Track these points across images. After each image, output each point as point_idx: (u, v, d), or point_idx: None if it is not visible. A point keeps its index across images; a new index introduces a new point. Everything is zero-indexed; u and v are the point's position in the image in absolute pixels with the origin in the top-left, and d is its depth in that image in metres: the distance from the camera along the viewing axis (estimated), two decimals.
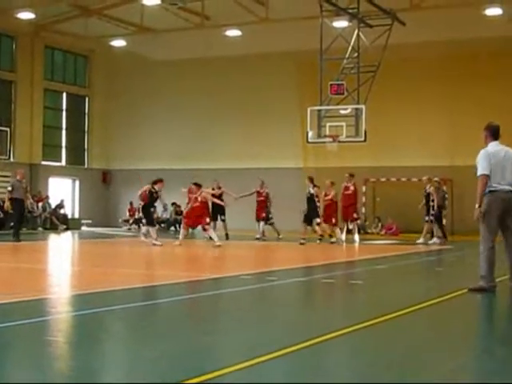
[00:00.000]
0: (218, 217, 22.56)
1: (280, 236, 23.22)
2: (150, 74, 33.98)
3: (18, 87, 31.57)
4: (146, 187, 19.47)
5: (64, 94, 34.11)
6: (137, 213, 28.38)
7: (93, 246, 21.14)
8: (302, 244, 20.08)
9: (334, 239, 20.90)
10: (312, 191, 20.79)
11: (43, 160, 32.54)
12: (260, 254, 18.80)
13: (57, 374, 4.93)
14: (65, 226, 29.79)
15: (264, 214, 23.33)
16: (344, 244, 20.86)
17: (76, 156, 34.79)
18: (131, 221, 31.86)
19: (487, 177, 9.11)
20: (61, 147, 34.17)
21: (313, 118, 23.31)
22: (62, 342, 5.98)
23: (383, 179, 29.69)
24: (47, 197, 30.82)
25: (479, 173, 9.18)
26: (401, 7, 24.08)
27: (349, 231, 22.51)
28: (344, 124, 22.96)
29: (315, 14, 23.21)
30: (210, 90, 32.72)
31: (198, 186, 19.61)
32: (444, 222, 24.09)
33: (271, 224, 23.67)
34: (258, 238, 22.93)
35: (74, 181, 34.50)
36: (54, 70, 33.74)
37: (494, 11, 25.33)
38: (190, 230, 21.01)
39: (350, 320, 7.09)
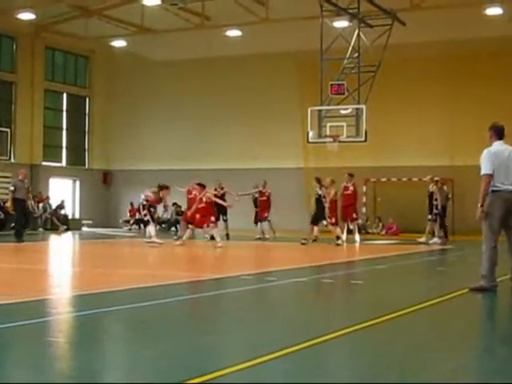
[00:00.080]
0: (220, 217, 22.58)
1: (275, 235, 23.24)
2: (150, 75, 33.97)
3: (18, 88, 31.58)
4: (154, 194, 19.22)
5: (64, 95, 34.11)
6: (137, 213, 28.34)
7: (93, 246, 21.15)
8: (303, 244, 20.08)
9: (340, 241, 20.50)
10: (320, 192, 20.62)
11: (44, 161, 32.54)
12: (261, 254, 18.81)
13: (58, 374, 4.94)
14: (65, 227, 29.76)
15: (266, 214, 23.36)
16: (345, 244, 20.84)
17: (76, 156, 34.80)
18: (132, 221, 31.88)
19: (490, 176, 9.09)
20: (61, 148, 34.18)
21: (313, 118, 23.32)
22: (62, 343, 5.99)
23: (384, 179, 29.69)
24: (48, 197, 30.80)
25: (482, 172, 9.16)
26: (401, 7, 24.08)
27: (349, 231, 22.48)
28: (344, 124, 22.97)
29: (315, 14, 23.19)
30: (211, 90, 32.71)
31: (202, 186, 19.39)
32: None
33: (268, 221, 23.67)
34: (258, 238, 22.97)
35: (74, 181, 34.51)
36: (55, 70, 33.75)
37: (494, 11, 25.32)
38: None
39: (351, 320, 7.10)
